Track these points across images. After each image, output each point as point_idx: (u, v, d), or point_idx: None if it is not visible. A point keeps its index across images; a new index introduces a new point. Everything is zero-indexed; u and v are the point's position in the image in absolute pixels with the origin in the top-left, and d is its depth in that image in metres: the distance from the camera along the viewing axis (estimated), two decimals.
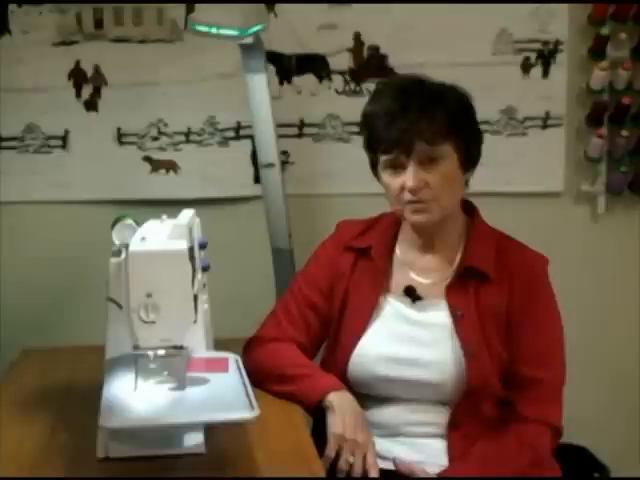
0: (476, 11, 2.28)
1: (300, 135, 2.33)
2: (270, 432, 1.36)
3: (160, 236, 1.25)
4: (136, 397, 1.22)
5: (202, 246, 1.50)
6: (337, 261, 1.63)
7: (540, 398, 1.49)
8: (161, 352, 1.21)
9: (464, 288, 1.52)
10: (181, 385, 1.25)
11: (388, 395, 1.53)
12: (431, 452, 1.50)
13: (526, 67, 2.33)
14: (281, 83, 2.30)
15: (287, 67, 2.30)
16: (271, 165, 2.01)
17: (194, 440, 1.27)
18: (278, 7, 2.25)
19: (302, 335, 1.62)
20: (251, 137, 2.21)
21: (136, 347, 1.20)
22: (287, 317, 1.63)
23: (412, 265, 1.59)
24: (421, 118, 1.44)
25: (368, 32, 2.29)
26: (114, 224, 1.37)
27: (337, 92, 2.32)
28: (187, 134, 2.30)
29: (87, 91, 2.26)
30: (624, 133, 2.32)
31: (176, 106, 2.28)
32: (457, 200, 1.56)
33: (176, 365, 1.25)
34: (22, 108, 2.25)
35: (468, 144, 1.51)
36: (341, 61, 2.31)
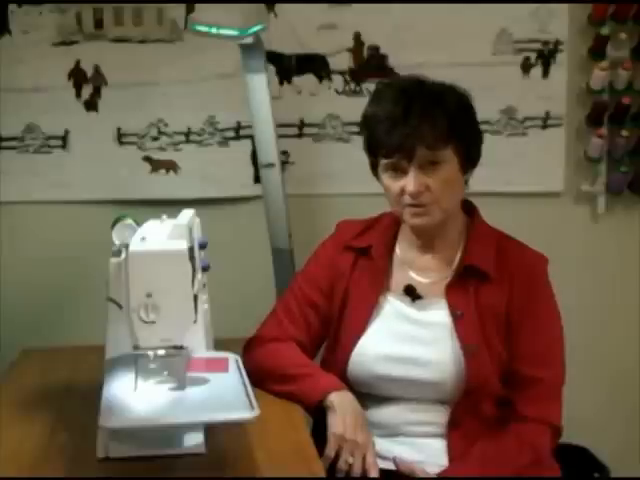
0: (476, 11, 2.28)
1: (300, 135, 2.33)
2: (270, 432, 1.36)
3: (160, 236, 1.25)
4: (136, 397, 1.22)
5: (202, 246, 1.50)
6: (337, 261, 1.63)
7: (540, 397, 1.49)
8: (161, 352, 1.21)
9: (464, 287, 1.52)
10: (181, 385, 1.25)
11: (388, 394, 1.54)
12: (431, 452, 1.50)
13: (526, 67, 2.33)
14: (281, 83, 2.30)
15: (287, 67, 2.29)
16: (271, 165, 2.01)
17: (194, 440, 1.27)
18: (278, 7, 2.25)
19: (303, 334, 1.62)
20: (251, 137, 2.21)
21: (136, 347, 1.20)
22: (288, 316, 1.63)
23: (412, 264, 1.59)
24: (423, 123, 1.44)
25: (368, 32, 2.29)
26: (114, 224, 1.37)
27: (337, 92, 2.32)
28: (187, 134, 2.30)
29: (87, 91, 2.26)
30: (624, 133, 2.32)
31: (176, 106, 2.28)
32: (457, 201, 1.56)
33: (176, 365, 1.25)
34: (22, 108, 2.25)
35: (468, 146, 1.52)
36: (341, 61, 2.31)
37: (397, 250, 1.62)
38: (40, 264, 2.26)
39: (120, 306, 1.27)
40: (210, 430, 1.29)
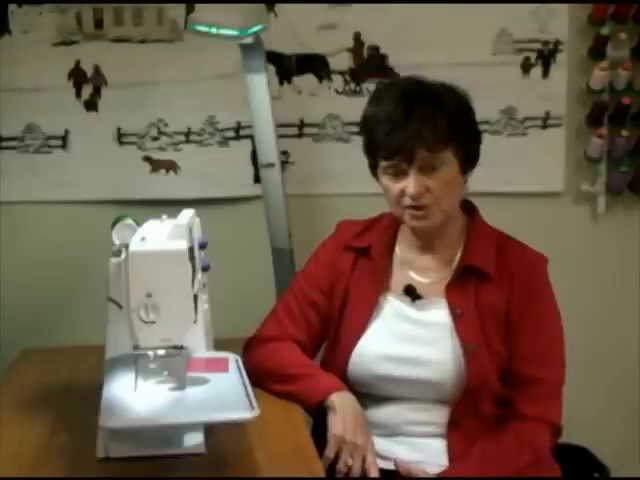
0: (476, 11, 2.27)
1: (300, 135, 2.33)
2: (270, 432, 1.36)
3: (160, 236, 1.25)
4: (136, 397, 1.22)
5: (202, 246, 1.50)
6: (337, 261, 1.63)
7: (540, 396, 1.49)
8: (161, 352, 1.21)
9: (464, 287, 1.52)
10: (181, 385, 1.25)
11: (388, 394, 1.54)
12: (431, 452, 1.50)
13: (526, 67, 2.33)
14: (281, 83, 2.30)
15: (287, 67, 2.29)
16: (271, 165, 2.01)
17: (194, 440, 1.27)
18: (278, 7, 2.25)
19: (303, 333, 1.62)
20: (251, 137, 2.21)
21: (136, 347, 1.20)
22: (288, 315, 1.63)
23: (412, 264, 1.59)
24: (423, 125, 1.44)
25: (368, 32, 2.29)
26: (114, 224, 1.37)
27: (337, 92, 2.32)
28: (187, 134, 2.30)
29: (87, 91, 2.26)
30: (624, 133, 2.32)
31: (176, 106, 2.28)
32: (457, 202, 1.56)
33: (176, 365, 1.25)
34: (22, 108, 2.25)
35: (468, 148, 1.52)
36: (341, 61, 2.31)
37: (397, 250, 1.62)
38: (40, 264, 2.26)
39: (120, 306, 1.27)
40: (210, 430, 1.29)
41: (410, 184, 1.46)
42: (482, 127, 1.59)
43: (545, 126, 2.36)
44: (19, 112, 2.25)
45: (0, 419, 1.42)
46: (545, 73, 2.34)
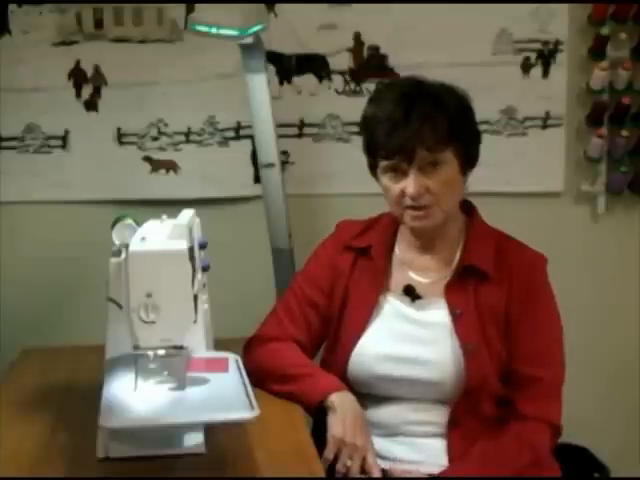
0: (476, 11, 2.27)
1: (300, 135, 2.33)
2: (270, 432, 1.36)
3: (160, 236, 1.25)
4: (136, 397, 1.22)
5: (202, 246, 1.50)
6: (337, 261, 1.63)
7: (539, 396, 1.49)
8: (161, 352, 1.21)
9: (463, 287, 1.52)
10: (181, 385, 1.25)
11: (388, 394, 1.54)
12: (431, 452, 1.50)
13: (526, 67, 2.33)
14: (281, 83, 2.30)
15: (287, 67, 2.29)
16: (271, 165, 2.01)
17: (194, 440, 1.27)
18: (278, 7, 2.25)
19: (303, 333, 1.62)
20: (251, 137, 2.21)
21: (136, 347, 1.20)
22: (288, 315, 1.63)
23: (411, 264, 1.59)
24: (423, 125, 1.44)
25: (368, 32, 2.29)
26: (114, 224, 1.37)
27: (337, 92, 2.32)
28: (187, 134, 2.30)
29: (87, 91, 2.26)
30: (624, 133, 2.32)
31: (176, 106, 2.28)
32: (457, 202, 1.56)
33: (176, 365, 1.25)
34: (22, 108, 2.25)
35: (468, 148, 1.52)
36: (341, 61, 2.30)
37: (396, 250, 1.62)
38: (40, 264, 2.26)
39: (120, 306, 1.27)
40: (210, 430, 1.29)
41: (410, 184, 1.46)
42: (482, 127, 1.59)
43: (545, 126, 2.36)
44: (19, 112, 2.25)
45: (0, 419, 1.42)
46: (545, 73, 2.34)
